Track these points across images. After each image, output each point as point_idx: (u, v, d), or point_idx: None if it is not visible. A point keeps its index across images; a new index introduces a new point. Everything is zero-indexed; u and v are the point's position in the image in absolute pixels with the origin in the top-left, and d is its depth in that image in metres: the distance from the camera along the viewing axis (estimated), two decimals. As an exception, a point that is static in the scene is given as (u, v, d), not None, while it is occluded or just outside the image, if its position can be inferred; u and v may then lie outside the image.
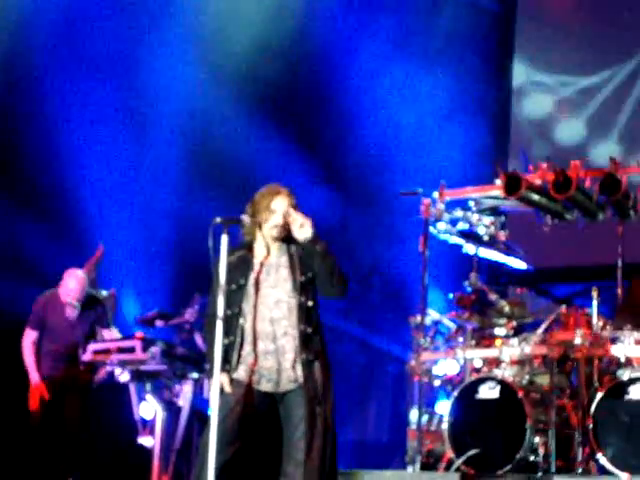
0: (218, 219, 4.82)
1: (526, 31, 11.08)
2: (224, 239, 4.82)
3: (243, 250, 5.01)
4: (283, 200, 4.97)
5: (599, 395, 6.59)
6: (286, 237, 5.01)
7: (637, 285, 7.36)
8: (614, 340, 6.85)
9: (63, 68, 9.39)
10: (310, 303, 4.93)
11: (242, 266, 4.95)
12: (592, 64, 10.61)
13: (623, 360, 6.82)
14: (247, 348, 4.91)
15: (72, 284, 7.31)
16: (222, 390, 4.80)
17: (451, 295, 7.79)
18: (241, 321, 4.90)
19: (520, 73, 11.05)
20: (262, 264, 4.97)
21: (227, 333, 4.84)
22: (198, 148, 9.75)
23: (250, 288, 4.92)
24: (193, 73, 9.92)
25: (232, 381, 4.87)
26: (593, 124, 10.56)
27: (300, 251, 4.98)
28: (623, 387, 6.55)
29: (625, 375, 6.60)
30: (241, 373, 4.89)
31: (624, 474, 6.34)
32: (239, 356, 4.90)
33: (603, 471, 6.49)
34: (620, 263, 7.65)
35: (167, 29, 9.87)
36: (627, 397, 6.54)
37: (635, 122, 10.31)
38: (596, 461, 6.54)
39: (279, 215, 4.95)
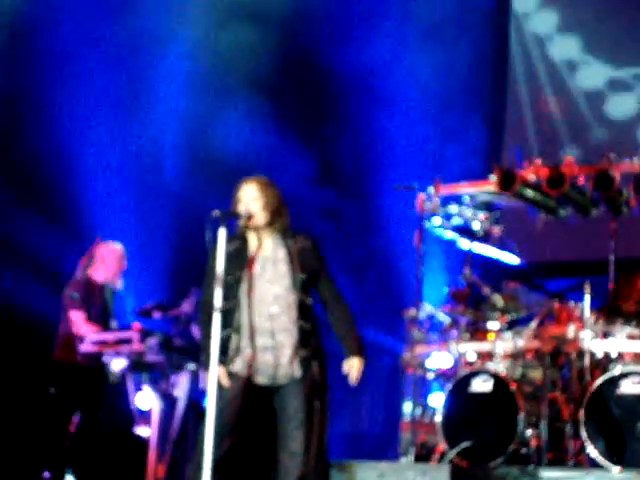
0: (217, 212, 4.86)
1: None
2: (222, 232, 4.86)
3: (238, 241, 5.01)
4: (248, 187, 5.01)
5: (591, 389, 6.66)
6: (280, 229, 5.05)
7: (623, 281, 7.42)
8: (606, 335, 6.93)
9: (63, 51, 9.40)
10: (309, 300, 4.96)
11: (238, 258, 4.95)
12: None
13: (615, 355, 6.90)
14: (244, 342, 4.92)
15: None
16: (219, 383, 4.83)
17: (446, 289, 7.86)
18: (238, 315, 4.91)
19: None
20: (257, 257, 4.98)
21: (224, 326, 4.83)
22: (198, 138, 9.79)
23: (246, 281, 4.94)
24: (193, 60, 9.95)
25: (229, 374, 4.89)
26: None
27: (298, 246, 5.01)
28: (614, 381, 6.62)
29: (617, 370, 6.67)
30: (238, 366, 4.91)
31: (615, 467, 6.41)
32: (236, 349, 4.92)
33: (594, 464, 6.55)
34: (612, 258, 7.72)
35: (167, 15, 9.91)
36: (618, 391, 6.60)
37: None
38: (587, 454, 6.60)
39: (243, 204, 4.96)
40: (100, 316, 7.22)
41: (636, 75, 10.45)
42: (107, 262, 7.37)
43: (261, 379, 4.95)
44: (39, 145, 9.22)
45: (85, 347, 7.03)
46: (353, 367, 4.98)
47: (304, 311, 4.94)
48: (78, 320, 7.13)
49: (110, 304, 7.38)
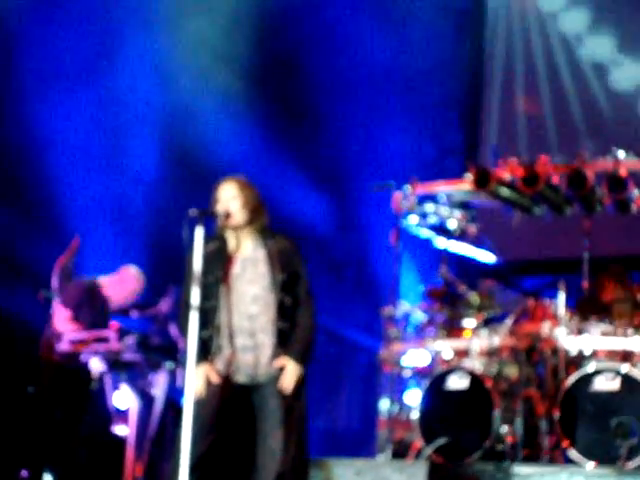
0: (194, 211, 4.88)
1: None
2: (199, 231, 4.88)
3: (217, 242, 5.04)
4: (228, 186, 5.03)
5: (565, 386, 6.73)
6: (259, 229, 5.07)
7: (601, 281, 7.49)
8: (581, 332, 7.00)
9: (39, 57, 9.39)
10: (288, 300, 4.97)
11: (217, 258, 4.99)
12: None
13: (589, 352, 6.97)
14: (224, 341, 4.95)
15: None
16: (209, 380, 4.88)
17: (422, 287, 7.91)
18: (219, 314, 4.94)
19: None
20: (237, 258, 5.01)
21: (205, 325, 4.88)
22: (174, 139, 9.78)
23: (226, 282, 4.96)
24: (168, 65, 9.95)
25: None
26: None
27: (277, 247, 5.03)
28: (588, 378, 6.68)
29: (590, 367, 6.73)
30: (218, 365, 4.95)
31: (589, 463, 6.48)
32: (217, 348, 4.95)
33: (568, 460, 6.61)
34: (586, 256, 7.80)
35: (142, 18, 9.90)
36: (592, 388, 6.67)
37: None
38: (562, 450, 6.67)
39: (222, 203, 4.99)
40: (96, 320, 7.26)
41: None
42: (125, 285, 7.47)
43: (241, 378, 4.98)
44: (15, 148, 9.18)
45: (62, 346, 7.03)
46: (286, 371, 4.90)
47: (283, 311, 4.95)
48: (61, 317, 7.15)
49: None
